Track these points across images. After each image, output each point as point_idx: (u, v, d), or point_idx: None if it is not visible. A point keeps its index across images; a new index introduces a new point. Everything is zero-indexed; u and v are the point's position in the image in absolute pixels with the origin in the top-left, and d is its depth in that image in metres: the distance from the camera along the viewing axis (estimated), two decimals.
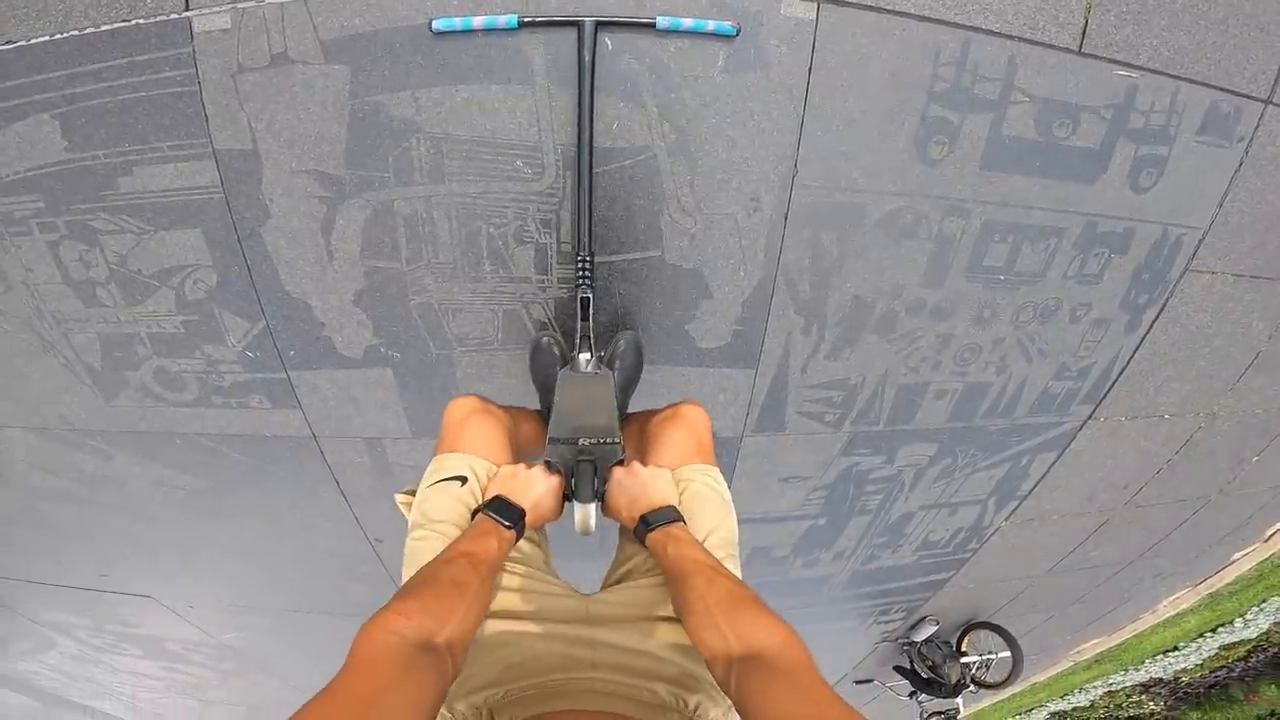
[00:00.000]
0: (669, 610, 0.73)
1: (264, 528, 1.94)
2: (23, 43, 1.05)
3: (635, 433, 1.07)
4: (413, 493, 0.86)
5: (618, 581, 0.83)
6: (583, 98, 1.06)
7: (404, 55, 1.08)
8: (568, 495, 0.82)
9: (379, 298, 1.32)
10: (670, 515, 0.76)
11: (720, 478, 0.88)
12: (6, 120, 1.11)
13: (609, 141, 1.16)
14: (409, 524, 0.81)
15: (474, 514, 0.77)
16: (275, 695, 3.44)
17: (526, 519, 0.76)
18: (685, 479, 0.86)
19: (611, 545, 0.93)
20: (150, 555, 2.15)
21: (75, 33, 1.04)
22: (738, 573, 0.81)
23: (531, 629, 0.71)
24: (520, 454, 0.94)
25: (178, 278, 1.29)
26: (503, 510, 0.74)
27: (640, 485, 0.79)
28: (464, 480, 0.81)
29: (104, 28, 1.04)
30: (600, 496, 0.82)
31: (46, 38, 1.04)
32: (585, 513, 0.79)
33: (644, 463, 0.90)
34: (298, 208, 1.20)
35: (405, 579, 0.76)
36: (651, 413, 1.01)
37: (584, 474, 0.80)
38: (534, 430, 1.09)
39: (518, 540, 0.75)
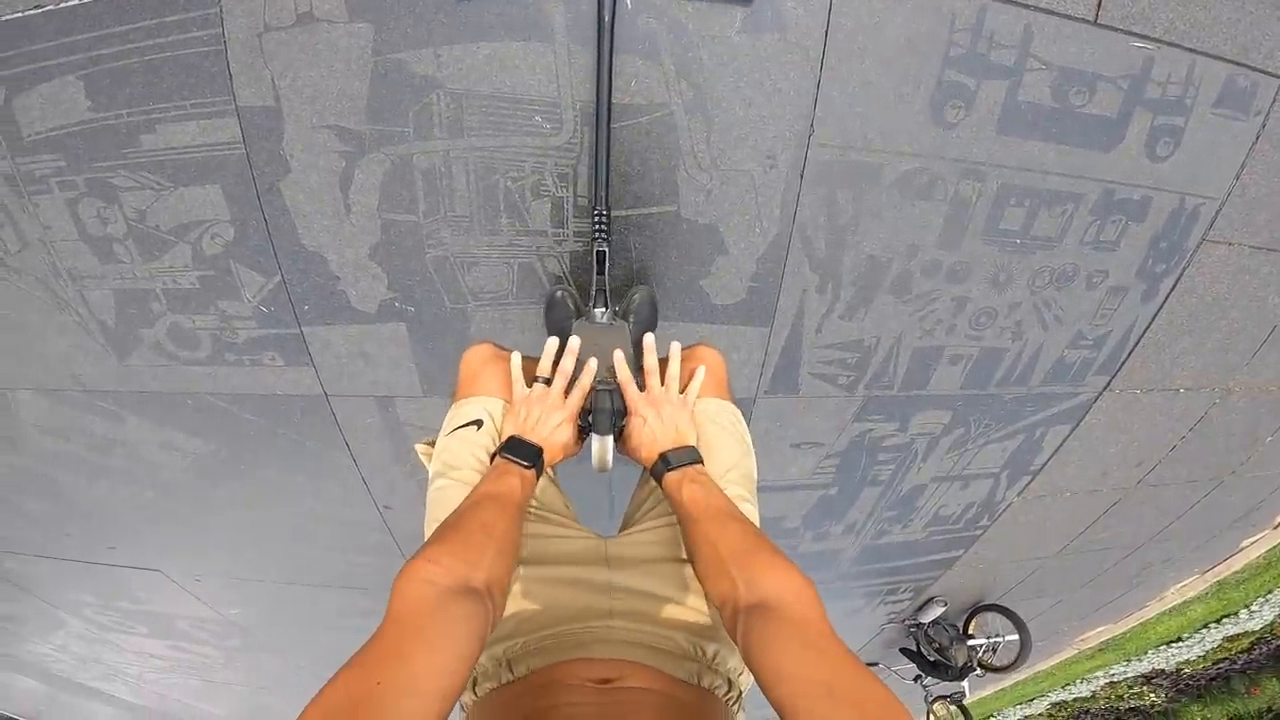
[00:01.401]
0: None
1: (273, 494, 1.94)
2: (51, 7, 1.06)
3: None
4: (434, 443, 0.85)
5: (636, 522, 0.82)
6: (602, 55, 1.05)
7: (426, 13, 1.08)
8: (584, 429, 0.80)
9: (395, 251, 1.32)
10: (691, 456, 0.74)
11: (740, 416, 0.87)
12: (32, 82, 1.12)
13: (627, 98, 1.16)
14: (430, 474, 0.80)
15: (492, 457, 0.76)
16: (280, 675, 3.45)
17: (545, 455, 0.75)
18: (706, 413, 0.85)
19: (622, 504, 0.92)
20: (159, 527, 2.16)
21: None
22: (755, 514, 0.80)
23: (549, 574, 0.70)
24: None
25: (195, 233, 1.30)
26: (519, 450, 0.73)
27: (662, 422, 0.77)
28: (480, 424, 0.80)
29: None
30: (618, 432, 0.80)
31: (77, 1, 1.05)
32: (603, 445, 0.77)
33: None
34: (317, 162, 1.21)
35: (428, 530, 0.75)
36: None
37: (602, 403, 0.77)
38: None
39: (539, 477, 0.74)
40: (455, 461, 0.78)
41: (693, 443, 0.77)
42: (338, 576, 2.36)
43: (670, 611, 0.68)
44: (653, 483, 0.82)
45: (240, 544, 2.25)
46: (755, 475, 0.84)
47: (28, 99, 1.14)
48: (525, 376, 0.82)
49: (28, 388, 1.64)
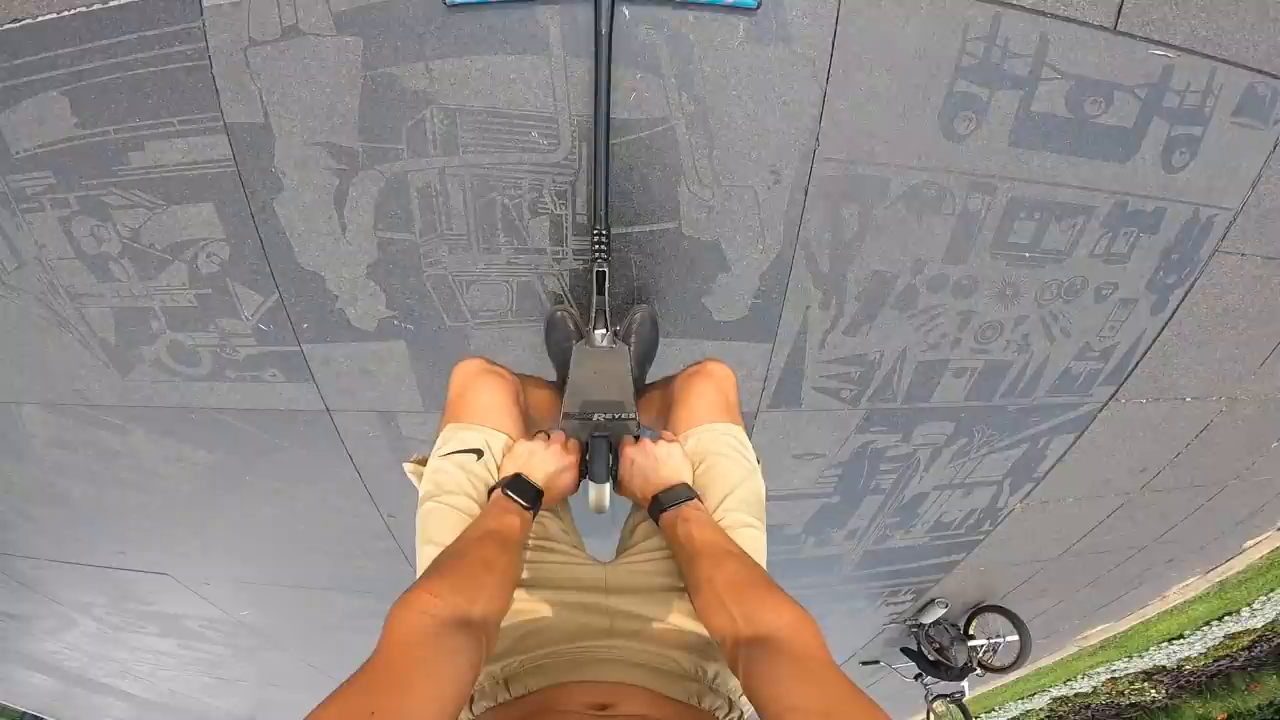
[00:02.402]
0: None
1: (278, 503, 1.96)
2: (29, 20, 1.03)
3: (657, 397, 1.05)
4: (422, 461, 0.85)
5: (632, 546, 0.82)
6: (599, 69, 1.03)
7: (417, 26, 1.05)
8: (583, 471, 0.81)
9: (392, 270, 1.31)
10: (684, 495, 0.74)
11: (744, 437, 0.85)
12: (16, 98, 1.10)
13: (626, 113, 1.14)
14: (420, 494, 0.80)
15: (491, 491, 0.76)
16: (289, 672, 3.51)
17: (545, 498, 0.75)
18: (707, 438, 0.84)
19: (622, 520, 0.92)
20: (166, 532, 2.18)
21: (83, 9, 1.02)
22: (761, 538, 0.79)
23: (548, 598, 0.71)
24: (530, 422, 0.93)
25: (190, 251, 1.29)
26: (521, 490, 0.73)
27: (653, 463, 0.77)
28: (480, 454, 0.80)
29: (112, 3, 1.02)
30: (614, 475, 0.80)
31: (54, 15, 1.03)
32: (600, 492, 0.78)
33: (668, 420, 0.89)
34: (310, 180, 1.19)
35: (419, 549, 0.76)
36: (675, 374, 0.99)
37: (598, 452, 0.78)
38: (546, 399, 1.08)
39: (535, 517, 0.75)
40: (450, 485, 0.78)
41: (685, 479, 0.77)
42: (344, 581, 2.39)
43: (670, 633, 0.69)
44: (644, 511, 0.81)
45: (247, 550, 2.27)
46: (762, 496, 0.83)
47: (13, 115, 1.12)
48: (520, 401, 0.84)
49: (33, 402, 1.65)
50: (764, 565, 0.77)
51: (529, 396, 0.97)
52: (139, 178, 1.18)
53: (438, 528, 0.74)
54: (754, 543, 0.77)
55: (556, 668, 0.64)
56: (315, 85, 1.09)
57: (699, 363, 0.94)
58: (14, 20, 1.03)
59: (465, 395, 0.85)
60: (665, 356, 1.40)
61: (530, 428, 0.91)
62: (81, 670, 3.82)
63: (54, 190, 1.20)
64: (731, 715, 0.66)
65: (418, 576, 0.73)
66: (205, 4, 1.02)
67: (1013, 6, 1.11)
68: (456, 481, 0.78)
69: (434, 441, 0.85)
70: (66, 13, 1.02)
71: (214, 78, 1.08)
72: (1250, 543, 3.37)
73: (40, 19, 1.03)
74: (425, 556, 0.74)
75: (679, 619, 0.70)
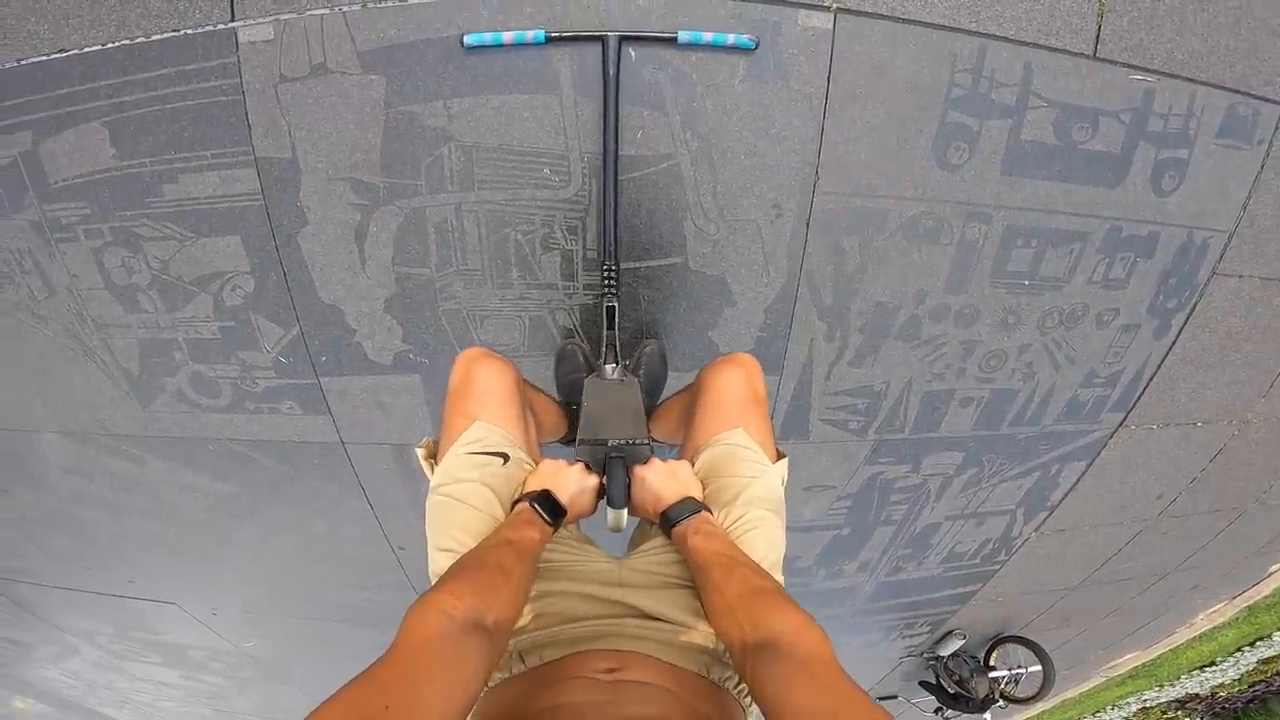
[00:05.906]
0: None
1: (290, 534, 1.96)
2: (75, 51, 1.08)
3: (679, 402, 1.06)
4: (434, 450, 0.86)
5: (646, 540, 0.84)
6: (608, 108, 1.08)
7: (437, 66, 1.11)
8: (601, 494, 0.83)
9: (409, 304, 1.35)
10: (691, 508, 0.76)
11: (747, 439, 0.85)
12: (59, 127, 1.15)
13: (633, 150, 1.18)
14: (433, 483, 0.82)
15: (515, 503, 0.78)
16: (292, 704, 3.44)
17: (564, 516, 0.77)
18: (718, 453, 0.85)
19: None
20: (177, 562, 2.18)
21: (126, 42, 1.08)
22: (778, 522, 0.80)
23: (561, 586, 0.73)
24: (537, 428, 0.96)
25: (217, 284, 1.33)
26: (548, 506, 0.76)
27: (660, 480, 0.80)
28: (505, 459, 0.82)
29: (154, 38, 1.08)
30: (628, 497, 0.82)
31: (99, 47, 1.08)
32: (618, 515, 0.81)
33: (692, 418, 0.91)
34: (333, 215, 1.23)
35: (430, 537, 0.78)
36: (682, 390, 1.01)
37: (616, 475, 0.80)
38: (553, 410, 1.10)
39: (554, 534, 0.77)
40: (465, 477, 0.80)
41: (692, 494, 0.79)
42: (353, 613, 2.36)
43: (683, 613, 0.71)
44: None
45: (257, 579, 2.26)
46: (776, 490, 0.83)
47: (54, 144, 1.16)
48: (522, 391, 0.87)
49: (54, 431, 1.68)
50: (781, 552, 0.80)
51: (534, 402, 1.00)
52: (171, 209, 1.22)
53: (449, 519, 0.77)
54: (770, 533, 0.79)
55: (570, 639, 0.66)
56: (340, 121, 1.14)
57: (725, 355, 0.95)
58: (60, 50, 1.08)
59: (470, 379, 0.86)
60: (673, 391, 1.41)
61: (537, 434, 0.94)
62: (78, 699, 3.75)
63: (89, 220, 1.24)
64: (742, 687, 0.67)
65: (430, 566, 0.77)
66: (240, 40, 1.08)
67: (996, 37, 1.16)
68: (469, 472, 0.80)
69: (440, 424, 0.86)
70: (110, 45, 1.08)
71: (247, 112, 1.13)
72: (1276, 567, 3.27)
73: (86, 50, 1.08)
74: (435, 545, 0.77)
75: (689, 615, 0.71)
